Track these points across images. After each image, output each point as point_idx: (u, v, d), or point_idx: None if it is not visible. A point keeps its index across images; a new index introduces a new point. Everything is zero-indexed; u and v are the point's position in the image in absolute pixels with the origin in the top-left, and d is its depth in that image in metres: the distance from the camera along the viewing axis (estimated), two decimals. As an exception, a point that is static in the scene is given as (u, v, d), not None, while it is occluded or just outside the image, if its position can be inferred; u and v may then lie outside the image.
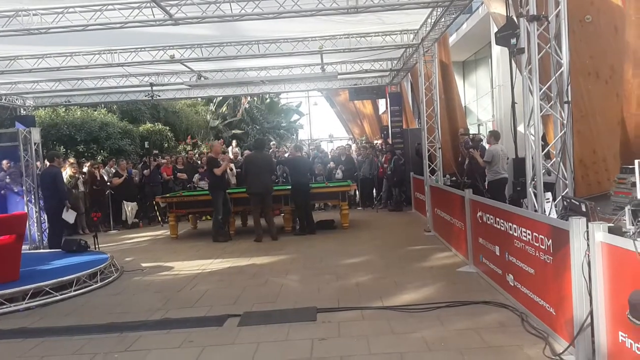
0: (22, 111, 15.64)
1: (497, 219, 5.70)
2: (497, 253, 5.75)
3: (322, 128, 38.27)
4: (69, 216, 9.77)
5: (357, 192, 14.79)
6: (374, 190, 15.10)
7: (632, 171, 5.82)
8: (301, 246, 9.36)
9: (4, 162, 10.77)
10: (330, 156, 16.51)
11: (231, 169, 14.03)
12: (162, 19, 8.01)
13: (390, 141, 15.50)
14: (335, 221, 11.45)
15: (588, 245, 3.67)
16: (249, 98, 26.96)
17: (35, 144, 10.76)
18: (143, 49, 10.96)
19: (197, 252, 9.40)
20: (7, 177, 10.71)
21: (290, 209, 10.85)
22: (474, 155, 10.07)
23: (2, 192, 10.77)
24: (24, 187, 10.65)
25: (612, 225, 3.75)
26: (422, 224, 10.66)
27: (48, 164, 9.97)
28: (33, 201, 10.67)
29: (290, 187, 10.77)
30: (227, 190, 11.19)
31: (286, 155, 13.89)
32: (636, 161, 4.00)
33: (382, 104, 20.52)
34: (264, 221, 10.32)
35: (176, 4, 7.84)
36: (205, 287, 6.79)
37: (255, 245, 9.68)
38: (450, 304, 5.36)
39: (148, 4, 7.79)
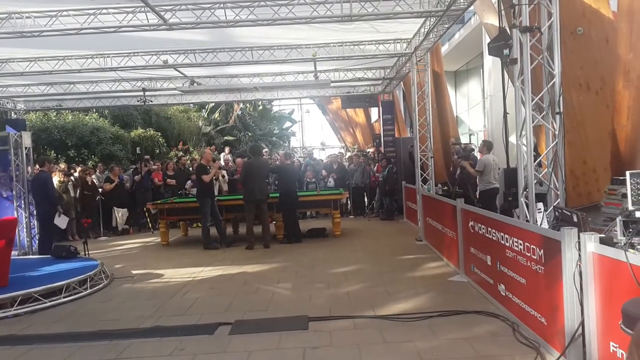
0: (12, 115, 15.53)
1: (489, 229, 5.72)
2: (489, 263, 5.77)
3: (314, 136, 38.31)
4: (61, 221, 9.71)
5: (349, 201, 14.79)
6: (366, 199, 15.12)
7: (623, 182, 5.88)
8: (293, 254, 9.33)
9: (-7, 166, 10.68)
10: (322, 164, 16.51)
11: (223, 176, 14.01)
12: (156, 23, 8.01)
13: (382, 150, 15.54)
14: (327, 229, 11.44)
15: (580, 255, 3.70)
16: (241, 105, 26.96)
17: (26, 148, 10.66)
18: (136, 54, 10.95)
19: (188, 260, 9.34)
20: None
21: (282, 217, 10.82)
22: (464, 166, 10.13)
23: (-8, 196, 10.67)
24: (13, 192, 10.55)
25: (604, 235, 3.78)
26: (413, 233, 10.67)
27: (38, 168, 9.89)
28: (23, 206, 10.56)
29: (278, 194, 10.75)
30: (219, 198, 11.18)
31: (277, 162, 13.90)
32: (627, 172, 4.04)
33: (374, 112, 20.61)
34: (257, 229, 10.27)
35: (170, 9, 7.86)
36: (197, 295, 6.75)
37: (246, 253, 9.64)
38: (441, 314, 5.36)
39: (142, 9, 7.78)
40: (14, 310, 6.16)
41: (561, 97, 5.40)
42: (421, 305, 5.77)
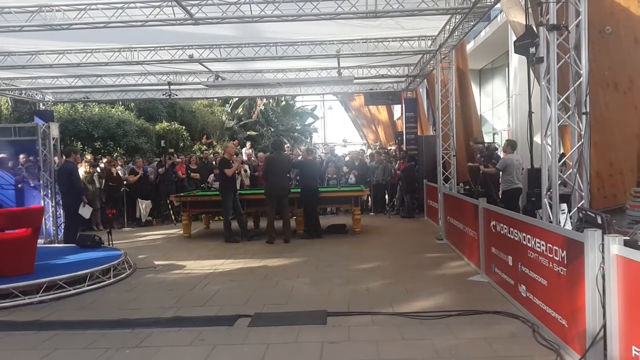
0: (41, 106, 15.84)
1: (511, 229, 5.66)
2: (510, 263, 5.72)
3: (336, 132, 38.38)
4: (85, 211, 9.88)
5: (369, 198, 14.77)
6: (387, 196, 15.08)
7: (650, 185, 5.78)
8: (312, 249, 9.37)
9: (21, 156, 10.91)
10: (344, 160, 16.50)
11: (245, 170, 14.10)
12: (182, 18, 8.07)
13: (404, 147, 15.48)
14: (347, 226, 11.45)
15: (603, 257, 3.65)
16: (264, 100, 27.08)
17: (53, 138, 10.87)
18: (162, 48, 11.05)
19: (209, 252, 9.45)
20: (24, 170, 10.84)
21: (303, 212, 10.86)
22: (484, 170, 10.08)
23: (19, 186, 10.90)
24: (41, 182, 10.78)
25: (628, 238, 3.73)
26: (434, 232, 10.62)
27: (65, 159, 10.09)
28: (50, 195, 10.79)
29: (299, 190, 10.79)
30: (240, 192, 11.26)
31: (299, 158, 13.94)
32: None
33: (397, 109, 20.50)
34: (278, 223, 10.33)
35: (197, 4, 7.91)
36: (217, 287, 6.83)
37: (266, 247, 9.71)
38: (461, 313, 5.34)
39: (169, 3, 7.84)
40: (39, 296, 6.31)
41: (588, 97, 5.32)
42: (440, 304, 5.76)
